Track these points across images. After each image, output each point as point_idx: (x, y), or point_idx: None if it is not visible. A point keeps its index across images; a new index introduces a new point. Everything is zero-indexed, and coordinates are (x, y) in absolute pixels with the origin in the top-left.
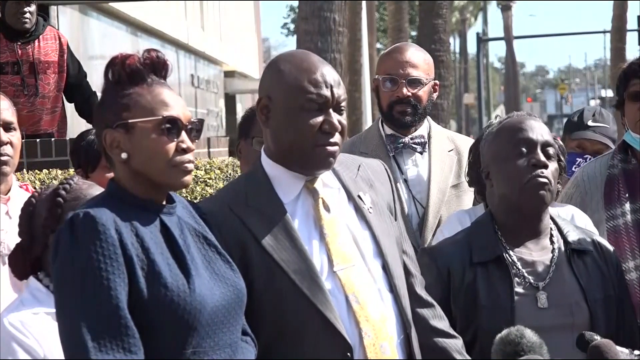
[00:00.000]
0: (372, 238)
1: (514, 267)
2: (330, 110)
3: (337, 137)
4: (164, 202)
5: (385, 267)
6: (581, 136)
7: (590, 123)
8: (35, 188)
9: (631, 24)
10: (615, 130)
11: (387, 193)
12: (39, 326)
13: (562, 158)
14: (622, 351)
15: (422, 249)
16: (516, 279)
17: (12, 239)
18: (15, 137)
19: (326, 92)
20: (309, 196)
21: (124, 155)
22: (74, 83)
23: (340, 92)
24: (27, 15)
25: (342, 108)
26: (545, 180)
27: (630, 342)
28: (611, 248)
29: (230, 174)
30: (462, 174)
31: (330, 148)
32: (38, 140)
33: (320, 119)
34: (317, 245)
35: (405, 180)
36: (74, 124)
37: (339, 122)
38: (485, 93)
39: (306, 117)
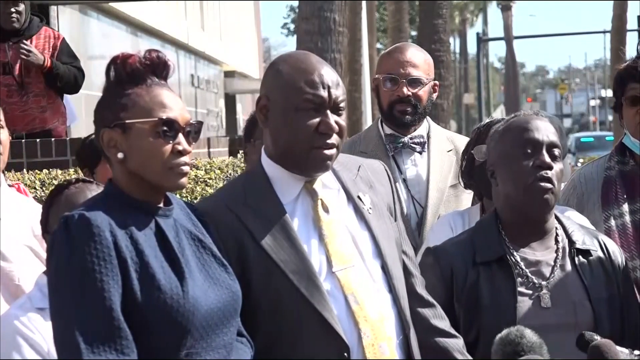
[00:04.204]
0: (371, 239)
1: (517, 267)
2: (328, 111)
3: (334, 139)
4: (161, 204)
5: (385, 268)
6: None
7: None
8: (35, 188)
9: (631, 24)
10: None
11: (387, 194)
12: (45, 322)
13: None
14: (622, 351)
15: (427, 249)
16: (519, 278)
17: (3, 240)
18: (4, 135)
19: (323, 92)
20: (308, 197)
21: (120, 155)
22: (60, 71)
23: (339, 93)
24: (15, 15)
25: (341, 109)
26: (549, 184)
27: (635, 341)
28: (617, 247)
29: (230, 174)
30: None
31: (326, 151)
32: (38, 140)
33: (316, 120)
34: (316, 246)
35: (404, 180)
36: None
37: (337, 123)
38: (485, 93)
39: (302, 117)
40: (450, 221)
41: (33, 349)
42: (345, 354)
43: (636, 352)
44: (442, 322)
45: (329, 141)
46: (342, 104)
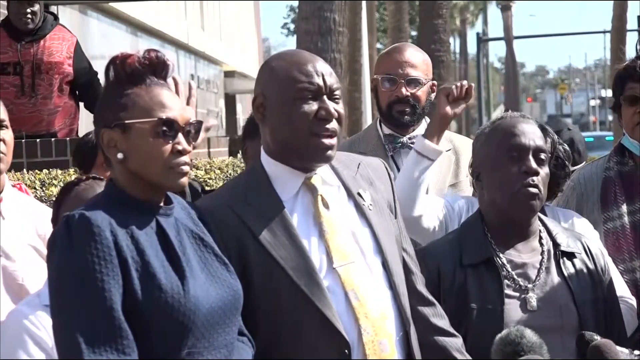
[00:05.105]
0: (371, 235)
1: (504, 269)
2: (325, 98)
3: (334, 124)
4: (162, 203)
5: (385, 265)
6: None
7: None
8: (36, 188)
9: (631, 24)
10: None
11: (387, 191)
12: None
13: (568, 163)
14: (622, 351)
15: (415, 250)
16: (506, 281)
17: (6, 240)
18: (7, 135)
19: (318, 80)
20: (308, 193)
21: (120, 156)
22: (84, 82)
23: (333, 80)
24: (29, 15)
25: (337, 97)
26: (535, 190)
27: (617, 344)
28: (599, 250)
29: (230, 174)
30: (460, 174)
31: (326, 140)
32: (38, 140)
33: (315, 106)
34: (316, 243)
35: None
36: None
37: (335, 109)
38: (485, 93)
39: (300, 106)
40: (469, 204)
41: (38, 346)
42: (346, 351)
43: (636, 352)
44: (441, 320)
45: (328, 126)
46: (337, 92)
